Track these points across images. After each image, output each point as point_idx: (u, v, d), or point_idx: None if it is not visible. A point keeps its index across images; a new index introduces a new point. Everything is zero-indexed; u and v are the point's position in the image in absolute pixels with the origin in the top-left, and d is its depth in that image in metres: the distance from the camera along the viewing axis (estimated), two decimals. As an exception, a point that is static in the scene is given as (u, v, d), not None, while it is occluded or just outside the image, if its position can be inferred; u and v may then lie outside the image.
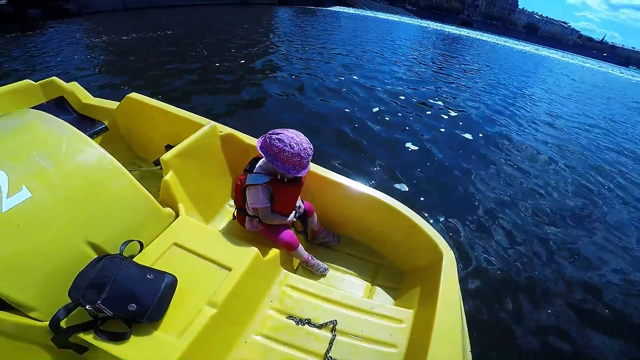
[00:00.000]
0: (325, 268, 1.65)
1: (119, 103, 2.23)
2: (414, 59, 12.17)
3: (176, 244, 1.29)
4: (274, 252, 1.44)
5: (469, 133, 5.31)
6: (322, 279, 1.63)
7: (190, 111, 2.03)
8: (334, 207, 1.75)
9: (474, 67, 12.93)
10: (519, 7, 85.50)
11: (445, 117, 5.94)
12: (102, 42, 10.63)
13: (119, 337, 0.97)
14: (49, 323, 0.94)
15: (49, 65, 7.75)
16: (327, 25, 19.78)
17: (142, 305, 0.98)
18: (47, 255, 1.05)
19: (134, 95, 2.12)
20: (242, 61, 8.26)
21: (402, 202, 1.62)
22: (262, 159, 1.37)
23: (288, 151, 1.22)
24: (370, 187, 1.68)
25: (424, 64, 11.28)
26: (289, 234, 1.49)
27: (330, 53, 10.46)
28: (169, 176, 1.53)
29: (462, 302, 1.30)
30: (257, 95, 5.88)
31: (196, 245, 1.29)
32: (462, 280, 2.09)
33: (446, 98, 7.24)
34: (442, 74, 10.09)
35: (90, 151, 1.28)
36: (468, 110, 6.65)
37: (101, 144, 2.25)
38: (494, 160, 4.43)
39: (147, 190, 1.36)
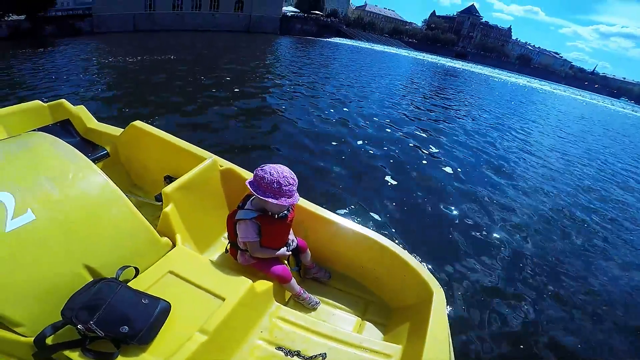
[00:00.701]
0: (316, 302, 1.67)
1: (122, 130, 2.27)
2: (408, 91, 12.68)
3: (171, 272, 1.31)
4: (267, 284, 1.45)
5: (456, 166, 5.36)
6: (313, 312, 1.65)
7: (188, 139, 2.13)
8: (326, 243, 1.78)
9: (468, 100, 13.34)
10: (513, 37, 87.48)
11: (434, 150, 6.00)
12: (110, 63, 11.07)
13: (106, 357, 0.98)
14: (34, 339, 0.96)
15: (58, 83, 8.09)
16: (325, 55, 20.66)
17: (135, 327, 1.00)
18: (44, 275, 1.09)
19: (138, 123, 2.17)
20: (237, 89, 8.54)
21: (390, 238, 1.71)
22: (254, 196, 1.42)
23: (267, 178, 1.30)
24: (360, 224, 1.74)
25: (417, 97, 11.71)
26: (281, 268, 1.52)
27: (327, 83, 10.93)
28: (169, 208, 1.58)
29: (451, 339, 1.32)
30: (253, 126, 6.05)
31: (191, 274, 1.31)
32: (451, 318, 2.13)
33: (437, 131, 7.42)
34: (434, 106, 10.44)
35: (95, 178, 1.33)
36: (458, 143, 6.76)
37: (103, 171, 2.35)
38: (481, 195, 4.46)
39: (145, 219, 1.40)
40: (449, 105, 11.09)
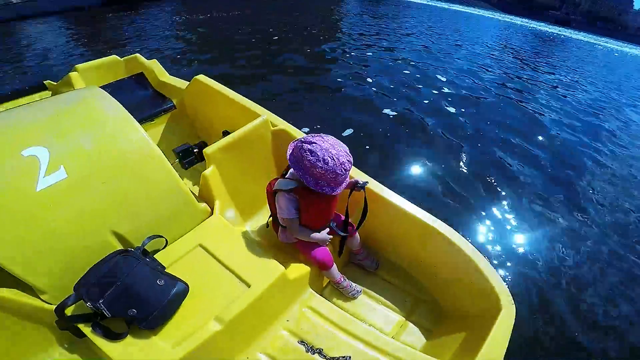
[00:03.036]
0: (357, 291, 1.53)
1: (188, 83, 2.29)
2: (492, 59, 10.79)
3: (201, 246, 1.26)
4: (304, 269, 1.36)
5: (556, 157, 4.51)
6: (350, 303, 1.51)
7: (248, 94, 2.02)
8: (380, 227, 1.58)
9: (570, 77, 10.76)
10: (634, 7, 70.26)
11: (529, 137, 5.03)
12: (185, 21, 11.76)
13: (114, 336, 0.98)
14: (55, 308, 0.97)
15: (142, 40, 8.90)
16: (395, 16, 18.58)
17: (144, 311, 0.97)
18: (70, 241, 1.06)
19: (201, 77, 2.17)
20: (307, 49, 8.29)
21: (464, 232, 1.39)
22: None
23: (321, 167, 1.05)
24: (427, 210, 1.48)
25: (504, 67, 9.92)
26: (323, 252, 1.37)
27: (395, 47, 9.89)
28: (209, 171, 1.49)
29: None
30: (315, 84, 5.86)
31: (221, 251, 1.24)
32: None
33: (531, 112, 6.21)
34: (527, 81, 8.68)
35: (135, 137, 1.26)
36: (556, 128, 5.61)
37: (168, 122, 2.40)
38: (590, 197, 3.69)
39: (184, 183, 1.33)
40: (551, 80, 9.12)
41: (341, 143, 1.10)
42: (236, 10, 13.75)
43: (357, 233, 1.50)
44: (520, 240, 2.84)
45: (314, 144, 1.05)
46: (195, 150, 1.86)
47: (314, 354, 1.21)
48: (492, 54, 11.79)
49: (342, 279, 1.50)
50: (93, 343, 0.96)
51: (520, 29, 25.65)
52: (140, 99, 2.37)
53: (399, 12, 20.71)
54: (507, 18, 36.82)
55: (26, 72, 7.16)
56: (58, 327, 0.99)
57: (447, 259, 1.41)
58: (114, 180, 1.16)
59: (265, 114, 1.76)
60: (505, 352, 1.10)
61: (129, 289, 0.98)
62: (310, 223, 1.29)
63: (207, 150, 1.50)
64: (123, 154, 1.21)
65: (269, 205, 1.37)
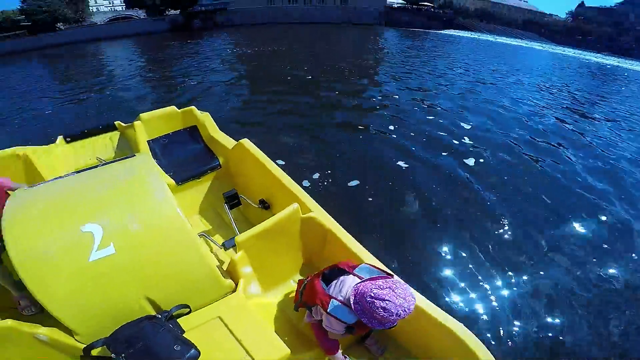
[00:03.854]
0: None
1: (234, 143, 2.46)
2: (547, 95, 9.92)
3: (220, 318, 1.36)
4: (306, 351, 1.46)
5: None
6: None
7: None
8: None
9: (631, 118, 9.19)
10: None
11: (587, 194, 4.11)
12: (237, 52, 12.82)
13: None
14: (84, 347, 1.17)
15: (200, 68, 9.76)
16: (437, 50, 18.39)
17: None
18: (109, 301, 1.26)
19: (245, 142, 2.33)
20: (340, 86, 8.40)
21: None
22: (349, 283, 1.28)
23: (394, 320, 1.09)
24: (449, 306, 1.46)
25: (561, 103, 9.05)
26: (332, 343, 1.43)
27: (438, 83, 9.69)
28: (238, 256, 1.63)
29: None
30: (354, 122, 5.81)
31: (236, 325, 1.33)
32: None
33: (586, 159, 5.24)
34: (579, 118, 7.81)
35: (174, 219, 1.43)
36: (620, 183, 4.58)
37: (214, 180, 2.54)
38: None
39: (213, 260, 1.49)
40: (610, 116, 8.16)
41: (407, 288, 1.13)
42: (277, 45, 14.66)
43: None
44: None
45: (387, 302, 1.08)
46: (241, 196, 2.14)
47: None
48: (542, 88, 10.98)
49: None
50: None
51: (574, 61, 23.95)
52: (192, 153, 2.64)
53: (440, 46, 20.53)
54: (558, 49, 35.03)
55: (102, 93, 8.08)
56: None
57: (454, 356, 1.37)
58: (152, 256, 1.35)
59: (295, 204, 1.82)
60: None
61: (150, 349, 1.14)
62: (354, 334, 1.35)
63: (238, 239, 1.65)
64: (162, 234, 1.39)
65: (308, 297, 1.43)
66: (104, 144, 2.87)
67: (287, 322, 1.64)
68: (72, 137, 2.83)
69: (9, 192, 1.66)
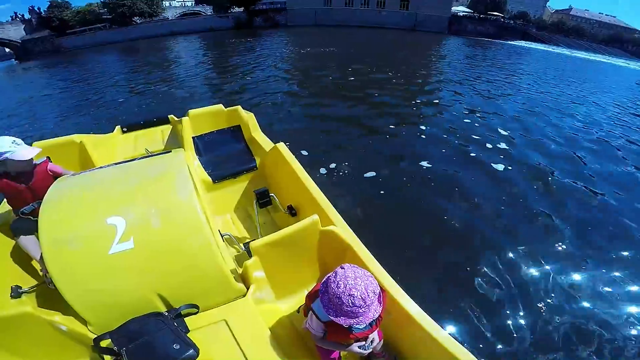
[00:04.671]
0: None
1: (272, 145, 2.47)
2: (623, 116, 8.42)
3: (226, 322, 1.37)
4: None
5: None
6: None
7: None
8: (407, 341, 1.53)
9: None
10: None
11: None
12: (293, 52, 13.06)
13: None
14: (94, 338, 1.22)
15: (258, 66, 10.05)
16: (504, 61, 16.74)
17: None
18: (123, 294, 1.30)
19: (280, 146, 2.33)
20: (399, 94, 8.03)
21: None
22: None
23: (350, 308, 1.09)
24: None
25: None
26: (333, 355, 1.41)
27: (503, 98, 8.69)
28: (251, 262, 1.61)
29: None
30: (404, 139, 5.32)
31: (240, 331, 1.34)
32: None
33: None
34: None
35: (194, 219, 1.43)
36: None
37: (249, 182, 2.56)
38: None
39: (226, 264, 1.49)
40: None
41: (371, 283, 1.12)
42: (332, 46, 14.59)
43: (382, 339, 1.49)
44: None
45: (338, 282, 1.11)
46: (272, 195, 2.16)
47: None
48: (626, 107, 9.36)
49: None
50: None
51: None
52: (232, 152, 2.74)
53: (508, 57, 18.85)
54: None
55: (167, 86, 8.73)
56: (93, 350, 1.24)
57: None
58: (168, 254, 1.37)
59: (315, 215, 1.79)
60: None
61: (149, 346, 1.19)
62: (334, 341, 1.35)
63: (253, 245, 1.62)
64: (180, 234, 1.40)
65: (306, 304, 1.42)
66: (156, 136, 3.00)
67: (295, 332, 1.62)
68: (129, 127, 2.99)
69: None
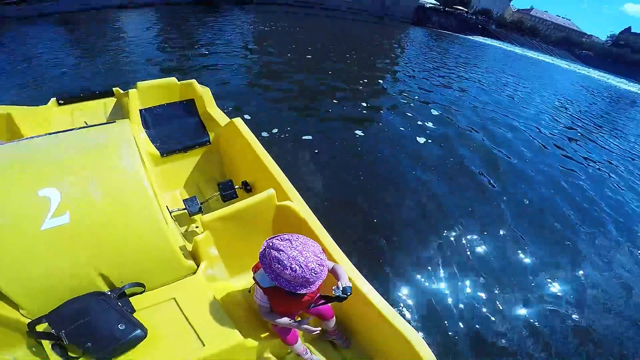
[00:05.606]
0: None
1: (228, 120, 2.39)
2: (567, 117, 9.50)
3: (175, 300, 1.32)
4: (262, 343, 1.41)
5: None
6: None
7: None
8: (360, 319, 1.57)
9: None
10: None
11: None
12: (256, 30, 12.78)
13: (69, 358, 1.10)
14: (28, 322, 1.12)
15: (217, 43, 9.85)
16: (463, 55, 17.90)
17: (98, 346, 1.10)
18: (59, 275, 1.18)
19: (237, 121, 2.25)
20: (351, 75, 8.25)
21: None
22: None
23: (289, 274, 1.04)
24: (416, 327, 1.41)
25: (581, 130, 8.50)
26: (290, 330, 1.40)
27: (459, 89, 9.37)
28: (202, 237, 1.54)
29: None
30: (365, 116, 5.67)
31: (190, 308, 1.30)
32: None
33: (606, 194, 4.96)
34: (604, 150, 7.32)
35: (140, 192, 1.34)
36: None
37: (202, 156, 2.49)
38: None
39: (175, 240, 1.41)
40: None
41: (311, 245, 1.08)
42: (297, 27, 14.52)
43: (334, 317, 1.53)
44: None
45: (281, 252, 1.05)
46: (236, 187, 2.08)
47: None
48: (561, 106, 10.64)
49: (305, 352, 1.54)
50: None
51: (603, 85, 22.92)
52: (184, 126, 2.60)
53: (467, 51, 19.99)
54: (587, 71, 33.50)
55: (114, 59, 8.15)
56: (29, 336, 1.14)
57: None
58: (110, 229, 1.26)
59: (271, 189, 1.75)
60: None
61: (91, 327, 1.12)
62: (281, 313, 1.32)
63: (204, 219, 1.55)
64: (124, 207, 1.30)
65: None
66: (98, 110, 2.73)
67: (249, 310, 1.59)
68: (66, 99, 2.70)
69: None
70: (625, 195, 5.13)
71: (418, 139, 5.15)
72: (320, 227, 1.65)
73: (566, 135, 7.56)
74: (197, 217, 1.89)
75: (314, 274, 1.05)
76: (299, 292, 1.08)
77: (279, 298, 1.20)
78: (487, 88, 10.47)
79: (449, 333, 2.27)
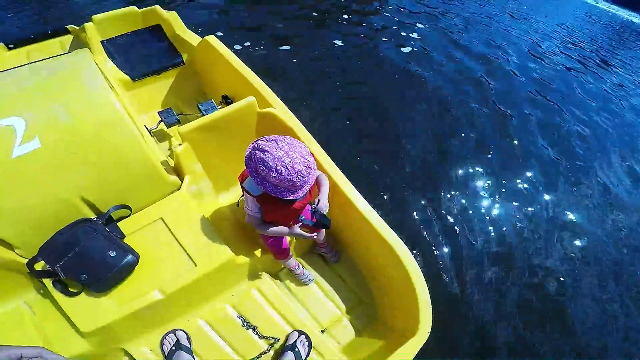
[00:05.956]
0: (309, 279, 1.61)
1: (200, 39, 2.27)
2: (562, 48, 8.44)
3: (162, 220, 1.32)
4: (254, 259, 1.43)
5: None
6: (300, 288, 1.62)
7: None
8: (348, 229, 1.63)
9: None
10: None
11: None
12: None
13: (70, 293, 1.14)
14: (27, 262, 1.13)
15: None
16: None
17: (93, 277, 1.11)
18: (42, 204, 1.16)
19: (210, 39, 2.15)
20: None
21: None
22: None
23: (275, 177, 0.99)
24: (397, 233, 1.47)
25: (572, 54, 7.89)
26: (280, 243, 1.39)
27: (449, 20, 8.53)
28: (181, 148, 1.48)
29: None
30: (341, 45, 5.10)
31: (179, 227, 1.31)
32: None
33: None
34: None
35: (111, 111, 1.28)
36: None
37: (177, 77, 2.41)
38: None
39: (156, 155, 1.37)
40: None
41: (298, 146, 1.01)
42: None
43: (322, 229, 1.51)
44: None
45: (266, 153, 0.98)
46: (180, 114, 2.08)
47: (248, 329, 1.37)
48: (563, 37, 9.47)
49: (297, 267, 1.56)
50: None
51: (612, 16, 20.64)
52: (152, 51, 2.43)
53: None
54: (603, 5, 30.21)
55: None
56: (31, 276, 1.17)
57: (395, 275, 1.46)
58: (86, 150, 1.22)
59: (251, 97, 1.68)
60: None
61: (83, 257, 1.11)
62: (274, 222, 1.27)
63: (181, 129, 1.49)
64: (96, 126, 1.25)
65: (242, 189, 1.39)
66: (54, 48, 2.57)
67: (238, 224, 1.59)
68: (16, 42, 2.51)
69: None
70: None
71: (402, 49, 4.90)
72: (307, 133, 1.59)
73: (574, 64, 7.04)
74: (177, 133, 1.86)
75: (300, 177, 1.00)
76: (286, 197, 1.04)
77: (270, 205, 1.16)
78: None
79: (437, 252, 2.41)
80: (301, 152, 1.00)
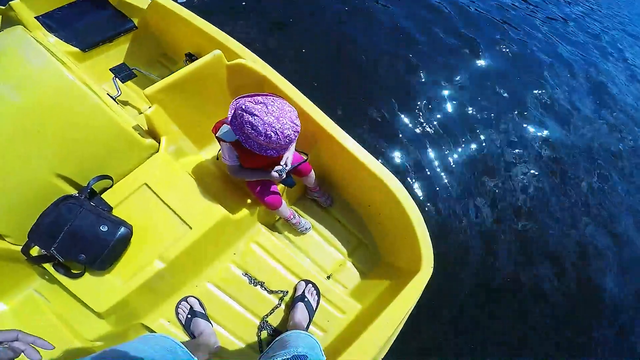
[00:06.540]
0: (307, 227, 1.61)
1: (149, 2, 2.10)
2: None
3: (147, 185, 1.29)
4: (247, 210, 1.41)
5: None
6: (298, 238, 1.62)
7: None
8: (338, 170, 1.62)
9: None
10: None
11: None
12: None
13: (74, 275, 1.12)
14: (21, 249, 1.09)
15: None
16: None
17: (91, 256, 1.08)
18: (19, 188, 1.11)
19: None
20: None
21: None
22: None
23: (264, 140, 0.97)
24: (386, 165, 1.48)
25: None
26: (270, 193, 1.36)
27: None
28: (151, 111, 1.42)
29: (402, 324, 1.25)
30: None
31: (165, 190, 1.28)
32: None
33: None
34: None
35: (62, 81, 1.21)
36: None
37: (132, 42, 2.29)
38: None
39: (125, 119, 1.32)
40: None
41: (288, 111, 1.00)
42: None
43: (312, 171, 1.50)
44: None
45: (255, 117, 0.95)
46: (134, 69, 2.09)
47: (256, 285, 1.40)
48: None
49: (292, 216, 1.54)
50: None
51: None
52: (98, 20, 2.26)
53: None
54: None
55: None
56: (29, 263, 1.13)
57: (391, 212, 1.47)
58: (46, 126, 1.17)
59: (217, 50, 1.60)
60: (416, 307, 1.23)
61: (75, 236, 1.07)
62: (252, 167, 1.27)
63: (146, 91, 1.43)
64: (51, 100, 1.19)
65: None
66: None
67: (223, 176, 1.57)
68: None
69: None
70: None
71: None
72: (283, 79, 1.54)
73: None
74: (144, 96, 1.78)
75: (288, 141, 1.01)
76: (268, 155, 1.05)
77: (248, 158, 1.16)
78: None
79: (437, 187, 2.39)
80: (291, 117, 0.99)
